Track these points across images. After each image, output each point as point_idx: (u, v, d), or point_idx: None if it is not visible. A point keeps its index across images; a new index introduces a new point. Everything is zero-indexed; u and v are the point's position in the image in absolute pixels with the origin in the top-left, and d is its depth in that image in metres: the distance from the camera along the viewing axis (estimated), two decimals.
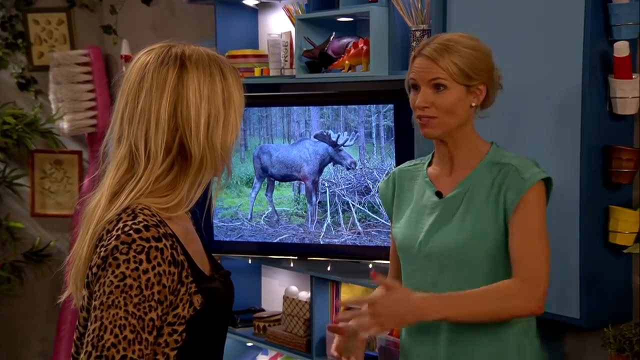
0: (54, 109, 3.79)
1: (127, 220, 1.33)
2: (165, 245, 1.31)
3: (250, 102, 2.97)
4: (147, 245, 1.30)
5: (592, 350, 2.23)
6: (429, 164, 1.89)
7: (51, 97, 3.81)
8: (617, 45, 2.03)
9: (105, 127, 3.87)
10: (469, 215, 1.78)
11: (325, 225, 2.83)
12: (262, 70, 3.03)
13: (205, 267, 1.44)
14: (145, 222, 1.32)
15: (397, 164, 2.63)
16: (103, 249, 1.31)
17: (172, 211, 1.37)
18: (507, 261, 1.75)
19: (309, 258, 2.89)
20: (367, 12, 2.60)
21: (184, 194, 1.37)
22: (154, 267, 1.29)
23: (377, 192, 1.97)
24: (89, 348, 1.27)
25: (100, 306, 1.28)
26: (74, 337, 1.41)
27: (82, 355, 1.29)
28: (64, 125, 3.77)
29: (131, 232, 1.30)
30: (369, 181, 2.73)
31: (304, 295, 2.98)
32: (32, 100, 3.99)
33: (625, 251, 2.02)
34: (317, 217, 2.85)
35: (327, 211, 2.82)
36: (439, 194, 1.82)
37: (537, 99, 2.18)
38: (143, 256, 1.29)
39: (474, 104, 1.79)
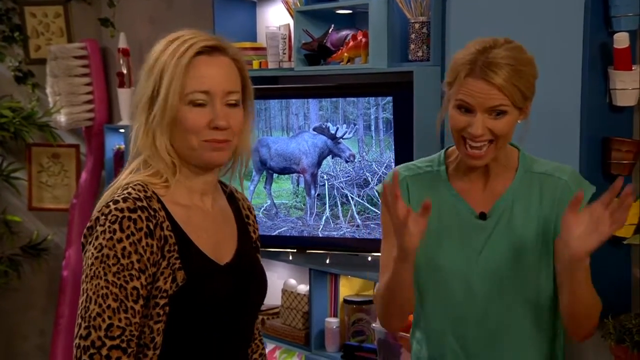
0: (51, 103, 3.78)
1: (114, 194, 1.39)
2: (139, 216, 1.34)
3: None
4: (120, 215, 1.34)
5: (591, 341, 2.23)
6: (447, 171, 1.70)
7: (48, 90, 3.80)
8: (616, 36, 2.03)
9: (102, 121, 3.89)
10: (516, 234, 1.63)
11: (324, 218, 2.83)
12: (260, 63, 3.02)
13: (223, 255, 1.45)
14: (127, 195, 1.36)
15: (396, 156, 2.63)
16: (90, 220, 1.38)
17: (168, 183, 1.42)
18: (547, 278, 1.64)
19: (307, 251, 2.89)
20: (366, 4, 2.59)
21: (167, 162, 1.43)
22: (128, 237, 1.33)
23: (380, 192, 1.73)
24: (79, 320, 1.32)
25: (85, 278, 1.33)
26: None
27: (75, 327, 1.33)
28: (62, 118, 3.76)
29: (110, 203, 1.36)
30: (367, 174, 2.73)
31: (303, 288, 2.97)
32: (29, 93, 3.98)
33: (625, 242, 2.02)
34: (315, 210, 2.84)
35: (325, 204, 2.82)
36: (482, 216, 1.65)
37: (537, 91, 2.18)
38: (116, 226, 1.33)
39: (520, 121, 1.64)
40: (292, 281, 3.04)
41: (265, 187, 2.96)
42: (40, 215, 4.04)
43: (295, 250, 2.92)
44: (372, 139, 2.71)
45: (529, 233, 1.64)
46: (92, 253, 1.33)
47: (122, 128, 3.68)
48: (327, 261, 2.85)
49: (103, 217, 1.35)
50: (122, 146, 3.68)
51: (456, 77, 1.59)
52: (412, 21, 2.54)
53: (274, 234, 2.93)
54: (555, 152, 2.12)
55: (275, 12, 3.14)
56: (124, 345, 1.31)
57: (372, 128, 2.70)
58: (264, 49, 3.06)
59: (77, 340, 1.31)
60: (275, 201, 2.94)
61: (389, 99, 2.65)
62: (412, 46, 2.56)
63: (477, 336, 1.65)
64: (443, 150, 1.74)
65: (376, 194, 2.70)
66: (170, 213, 1.39)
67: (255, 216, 1.62)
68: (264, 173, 2.95)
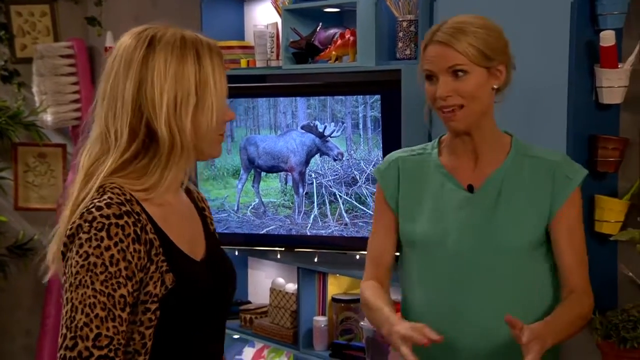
0: (38, 102, 3.76)
1: (94, 199, 1.34)
2: (126, 222, 1.31)
3: (237, 93, 3.00)
4: (107, 222, 1.30)
5: (577, 338, 2.24)
6: (439, 153, 1.75)
7: (35, 89, 3.77)
8: (603, 34, 2.04)
9: (89, 120, 3.86)
10: (508, 212, 1.67)
11: (312, 216, 2.83)
12: (248, 61, 3.02)
13: (197, 252, 1.44)
14: (109, 200, 1.32)
15: (384, 155, 2.63)
16: (69, 227, 1.33)
17: (147, 193, 1.37)
18: (539, 258, 1.70)
19: (295, 249, 2.89)
20: (354, 3, 2.59)
21: (155, 178, 1.37)
22: (116, 244, 1.30)
23: (374, 176, 1.81)
24: (64, 330, 1.28)
25: (70, 287, 1.29)
26: None
27: (59, 338, 1.29)
28: (48, 117, 3.74)
29: (93, 209, 1.31)
30: (355, 172, 2.73)
31: (291, 287, 2.97)
32: (15, 93, 3.95)
33: (612, 238, 2.03)
34: (304, 209, 2.84)
35: (314, 202, 2.82)
36: (470, 188, 1.69)
37: (523, 88, 2.19)
38: (104, 233, 1.29)
39: (496, 86, 1.67)
40: (280, 280, 3.04)
41: (253, 186, 2.96)
42: (27, 215, 4.02)
43: (283, 249, 2.92)
44: (360, 137, 2.71)
45: (522, 212, 1.66)
46: (77, 261, 1.29)
47: None
48: (316, 260, 2.85)
49: (87, 224, 1.30)
50: None
51: (421, 53, 1.68)
52: (400, 19, 2.55)
53: (262, 232, 2.93)
54: None
55: (263, 11, 3.14)
56: (111, 354, 1.28)
57: (360, 126, 2.70)
58: (251, 47, 3.05)
59: (62, 352, 1.27)
60: (263, 200, 2.94)
61: (377, 97, 2.65)
62: (400, 44, 2.56)
63: (465, 301, 1.67)
64: (438, 137, 1.79)
65: (364, 192, 2.70)
66: (149, 215, 1.37)
67: (209, 207, 1.59)
68: (252, 171, 2.95)
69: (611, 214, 2.10)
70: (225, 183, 2.99)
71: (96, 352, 1.27)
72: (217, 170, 3.01)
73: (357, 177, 2.73)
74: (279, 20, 2.90)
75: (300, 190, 2.85)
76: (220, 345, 1.52)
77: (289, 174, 2.88)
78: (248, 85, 2.98)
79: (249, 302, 3.25)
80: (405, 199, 1.75)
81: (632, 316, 1.84)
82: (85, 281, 1.28)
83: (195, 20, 3.20)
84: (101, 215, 1.30)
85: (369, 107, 2.69)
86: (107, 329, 1.28)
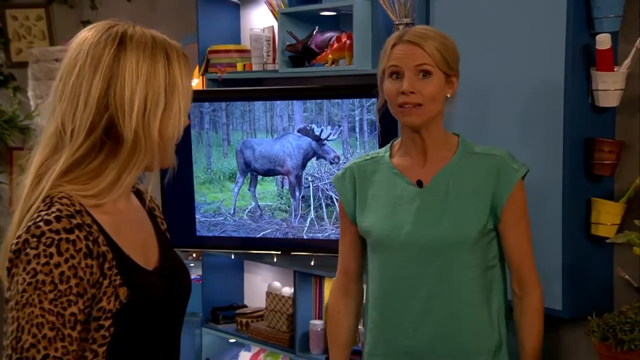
0: (33, 106, 3.76)
1: (41, 210, 1.25)
2: (78, 236, 1.23)
3: (233, 97, 3.00)
4: (57, 237, 1.22)
5: (574, 340, 2.25)
6: (390, 156, 1.86)
7: (30, 93, 3.77)
8: (599, 37, 2.05)
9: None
10: (456, 204, 1.78)
11: (309, 219, 2.82)
12: (244, 65, 3.02)
13: (150, 259, 1.37)
14: (58, 213, 1.24)
15: None
16: (14, 242, 1.24)
17: (99, 199, 1.29)
18: (488, 246, 1.81)
19: (292, 253, 2.89)
20: (350, 6, 2.60)
21: (110, 180, 1.29)
22: (67, 260, 1.22)
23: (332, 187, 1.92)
24: (9, 351, 1.21)
25: (16, 306, 1.21)
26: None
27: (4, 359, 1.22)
28: (43, 121, 3.73)
29: (41, 223, 1.23)
30: None
31: (287, 290, 2.97)
32: (11, 97, 3.95)
33: (608, 241, 2.03)
34: (300, 212, 2.84)
35: (310, 206, 2.82)
36: (419, 183, 1.80)
37: (520, 92, 2.19)
38: (53, 249, 1.21)
39: (449, 95, 1.79)
40: (277, 283, 3.04)
41: (249, 189, 2.95)
42: None
43: (279, 252, 2.92)
44: (356, 140, 2.71)
45: (470, 204, 1.77)
46: (24, 278, 1.20)
47: None
48: (312, 263, 2.85)
49: (35, 239, 1.21)
50: None
51: (384, 54, 1.77)
52: (396, 23, 2.55)
53: (259, 236, 2.93)
54: (539, 152, 2.14)
55: (259, 14, 3.14)
56: None
57: (357, 129, 2.70)
58: (248, 51, 3.05)
59: None
60: (259, 203, 2.93)
61: (374, 100, 2.65)
62: None
63: (418, 289, 1.78)
64: (390, 142, 1.90)
65: None
66: (100, 225, 1.28)
67: (159, 206, 1.51)
68: (248, 175, 2.95)
69: (607, 216, 2.11)
70: (222, 186, 2.99)
71: None
72: (214, 174, 3.00)
73: None
74: (275, 23, 2.90)
75: (297, 193, 2.85)
76: (176, 354, 1.44)
77: (286, 177, 2.88)
78: (244, 89, 2.98)
79: (245, 306, 3.24)
80: (361, 199, 1.86)
81: (629, 318, 1.84)
82: (33, 300, 1.20)
83: (191, 23, 3.20)
84: (50, 230, 1.22)
85: (365, 110, 2.69)
86: (56, 350, 1.20)
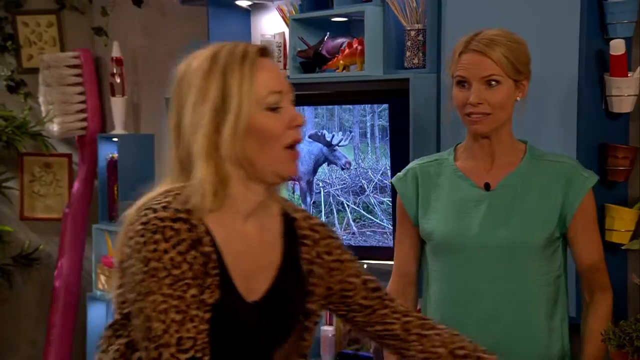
0: (44, 112, 3.77)
1: (154, 200, 1.27)
2: (181, 227, 1.24)
3: None
4: (161, 224, 1.23)
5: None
6: (454, 159, 1.84)
7: (41, 99, 3.78)
8: (612, 43, 2.04)
9: (95, 130, 3.88)
10: (524, 208, 1.76)
11: None
12: None
13: (254, 288, 1.33)
14: (167, 203, 1.25)
15: (392, 163, 2.63)
16: (131, 231, 1.26)
17: (213, 209, 1.28)
18: (553, 256, 1.79)
19: None
20: (362, 12, 2.60)
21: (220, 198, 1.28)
22: (174, 246, 1.22)
23: (394, 185, 1.89)
24: (145, 343, 1.22)
25: (138, 297, 1.23)
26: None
27: (141, 352, 1.23)
28: (54, 127, 3.74)
29: (148, 211, 1.25)
30: (363, 181, 2.73)
31: None
32: (22, 103, 3.96)
33: (623, 247, 2.03)
34: None
35: (321, 211, 2.81)
36: (487, 186, 1.77)
37: (533, 97, 2.18)
38: (159, 236, 1.22)
39: (519, 99, 1.77)
40: None
41: None
42: (32, 225, 4.02)
43: None
44: (368, 146, 2.71)
45: (540, 208, 1.75)
46: (140, 268, 1.22)
47: (115, 137, 3.66)
48: None
49: (142, 227, 1.23)
50: (115, 155, 3.66)
51: (452, 60, 1.75)
52: (408, 28, 2.55)
53: None
54: None
55: (269, 20, 3.15)
56: (199, 355, 1.21)
57: (368, 135, 2.70)
58: None
59: None
60: None
61: (385, 106, 2.65)
62: (408, 53, 2.56)
63: (482, 293, 1.75)
64: (454, 145, 1.87)
65: (372, 201, 2.70)
66: (210, 230, 1.27)
67: (322, 232, 1.43)
68: None
69: (621, 223, 2.10)
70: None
71: (183, 356, 1.20)
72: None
73: (365, 186, 2.72)
74: (286, 29, 2.90)
75: (308, 199, 2.84)
76: None
77: (297, 183, 2.87)
78: None
79: None
80: (424, 201, 1.83)
81: None
82: (152, 287, 1.21)
83: (202, 30, 3.21)
84: (156, 218, 1.23)
85: (376, 116, 2.68)
86: (187, 330, 1.21)
